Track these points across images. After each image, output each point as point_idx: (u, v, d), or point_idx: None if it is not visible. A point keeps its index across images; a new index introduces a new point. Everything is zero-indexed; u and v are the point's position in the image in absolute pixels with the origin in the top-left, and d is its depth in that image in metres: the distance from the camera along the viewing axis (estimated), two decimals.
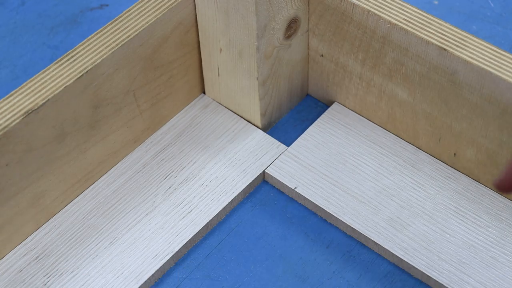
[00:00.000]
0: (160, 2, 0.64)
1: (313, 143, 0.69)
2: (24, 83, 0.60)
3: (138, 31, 0.62)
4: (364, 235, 0.63)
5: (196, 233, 0.64)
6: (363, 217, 0.64)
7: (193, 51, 0.69)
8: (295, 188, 0.66)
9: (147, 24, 0.63)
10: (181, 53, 0.68)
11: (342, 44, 0.66)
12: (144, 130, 0.69)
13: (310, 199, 0.65)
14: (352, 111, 0.71)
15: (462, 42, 0.59)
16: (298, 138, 0.69)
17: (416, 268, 0.61)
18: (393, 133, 0.69)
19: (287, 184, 0.66)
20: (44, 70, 0.60)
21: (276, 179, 0.67)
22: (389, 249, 0.62)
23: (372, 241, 0.63)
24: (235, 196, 0.66)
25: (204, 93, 0.73)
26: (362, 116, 0.70)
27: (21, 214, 0.62)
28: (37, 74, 0.60)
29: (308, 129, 0.70)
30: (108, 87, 0.63)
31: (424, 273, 0.61)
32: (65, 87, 0.59)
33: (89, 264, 0.63)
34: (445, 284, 0.60)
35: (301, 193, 0.66)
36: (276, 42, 0.65)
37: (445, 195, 0.65)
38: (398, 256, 0.62)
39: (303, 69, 0.71)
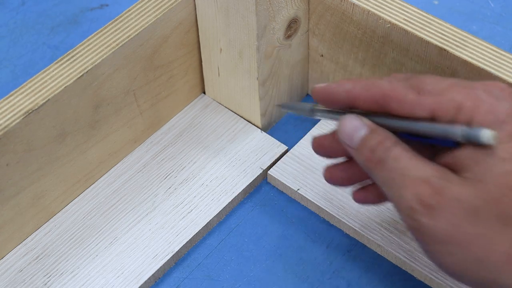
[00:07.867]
0: (160, 2, 0.64)
1: None
2: (24, 83, 0.60)
3: (138, 31, 0.62)
4: (367, 237, 0.63)
5: (196, 233, 0.64)
6: (366, 218, 0.64)
7: (193, 51, 0.69)
8: (298, 189, 0.66)
9: (147, 24, 0.63)
10: (181, 53, 0.68)
11: (342, 44, 0.66)
12: (144, 130, 0.69)
13: (312, 200, 0.65)
14: None
15: (462, 42, 0.59)
16: (301, 140, 0.69)
17: (420, 271, 0.61)
18: None
19: (290, 186, 0.66)
20: (44, 70, 0.60)
21: (279, 180, 0.67)
22: (392, 251, 0.62)
23: (375, 243, 0.63)
24: (235, 196, 0.66)
25: (204, 93, 0.73)
26: None
27: (21, 214, 0.62)
28: (37, 74, 0.60)
29: (310, 130, 0.70)
30: (108, 87, 0.63)
31: (427, 275, 0.61)
32: (65, 87, 0.59)
33: (89, 264, 0.63)
34: (448, 287, 0.60)
35: (304, 195, 0.66)
36: (276, 42, 0.65)
37: None
38: (401, 258, 0.62)
39: (303, 69, 0.71)
